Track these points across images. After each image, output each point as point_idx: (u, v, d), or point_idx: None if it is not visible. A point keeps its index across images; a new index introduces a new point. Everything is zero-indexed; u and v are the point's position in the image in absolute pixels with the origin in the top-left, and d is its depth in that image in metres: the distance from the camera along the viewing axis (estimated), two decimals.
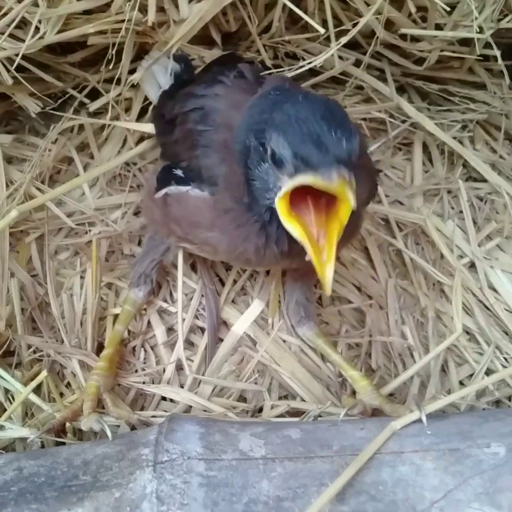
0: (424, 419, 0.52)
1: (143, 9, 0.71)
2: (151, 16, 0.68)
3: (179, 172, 0.63)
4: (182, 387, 0.69)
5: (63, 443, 0.61)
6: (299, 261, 0.57)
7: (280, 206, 0.50)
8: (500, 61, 0.81)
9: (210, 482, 0.48)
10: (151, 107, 0.83)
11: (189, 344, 0.74)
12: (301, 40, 0.86)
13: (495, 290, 0.80)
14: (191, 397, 0.65)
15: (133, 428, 0.63)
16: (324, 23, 0.85)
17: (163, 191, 0.64)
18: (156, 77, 0.78)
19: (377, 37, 0.78)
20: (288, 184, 0.49)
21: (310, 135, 0.48)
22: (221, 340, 0.73)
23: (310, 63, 0.77)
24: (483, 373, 0.72)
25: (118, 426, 0.62)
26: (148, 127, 0.79)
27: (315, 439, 0.52)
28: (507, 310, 0.78)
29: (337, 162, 0.47)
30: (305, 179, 0.48)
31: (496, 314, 0.78)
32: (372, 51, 0.83)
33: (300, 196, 0.50)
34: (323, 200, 0.50)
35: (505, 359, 0.75)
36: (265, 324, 0.75)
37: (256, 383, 0.70)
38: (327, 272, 0.49)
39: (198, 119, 0.62)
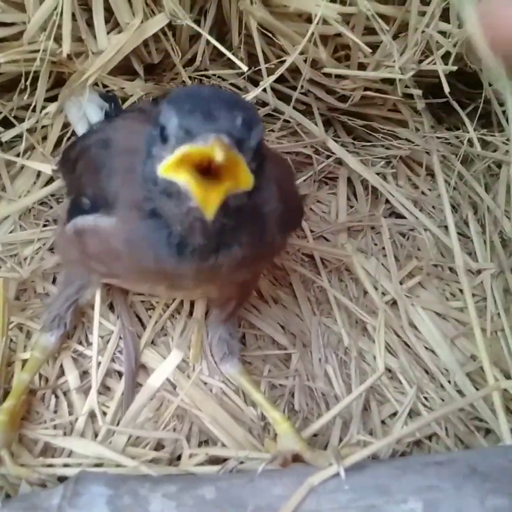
0: (342, 474, 0.51)
1: (59, 39, 0.68)
2: (66, 47, 0.66)
3: (85, 201, 0.59)
4: (96, 435, 0.66)
5: None
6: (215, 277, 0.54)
7: (165, 168, 0.44)
8: (418, 101, 0.82)
9: None
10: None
11: (106, 389, 0.70)
12: (227, 74, 0.85)
13: (416, 328, 0.80)
14: (102, 452, 0.61)
15: (43, 484, 0.59)
16: (249, 57, 0.85)
17: (70, 223, 0.60)
18: (87, 115, 0.75)
19: (303, 77, 0.78)
20: (168, 157, 0.44)
21: (201, 107, 0.44)
22: (140, 384, 0.70)
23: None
24: (405, 416, 0.72)
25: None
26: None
27: (230, 498, 0.50)
28: (427, 348, 0.79)
29: (223, 132, 0.42)
30: (183, 149, 0.42)
31: (416, 352, 0.78)
32: (299, 90, 0.83)
33: None
34: None
35: (426, 398, 0.75)
36: (186, 367, 0.72)
37: (175, 429, 0.68)
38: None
39: (100, 147, 0.60)
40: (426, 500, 0.49)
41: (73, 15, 0.67)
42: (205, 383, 0.72)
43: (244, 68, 0.70)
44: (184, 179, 0.43)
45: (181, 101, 0.45)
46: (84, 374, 0.70)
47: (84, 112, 0.76)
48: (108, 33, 0.71)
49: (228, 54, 0.71)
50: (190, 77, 0.83)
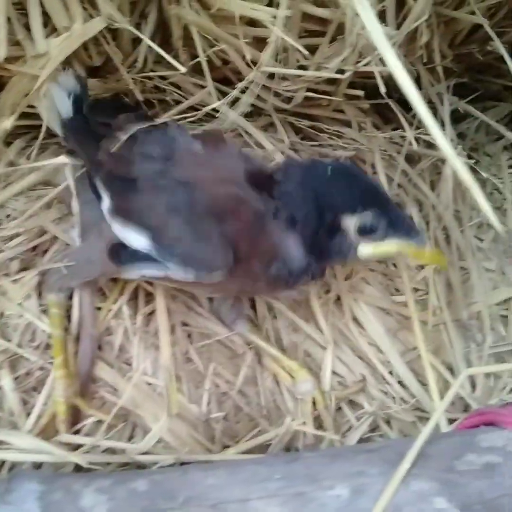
0: None
1: None
2: (2, 51, 0.66)
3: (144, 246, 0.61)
4: None
5: None
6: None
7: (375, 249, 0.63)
8: (361, 101, 0.84)
9: None
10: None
11: None
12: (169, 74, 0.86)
13: (359, 324, 0.82)
14: (37, 444, 0.61)
15: None
16: (193, 58, 0.85)
17: (134, 272, 0.64)
18: (56, 104, 0.73)
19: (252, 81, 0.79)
20: (378, 244, 0.63)
21: (393, 209, 0.63)
22: None
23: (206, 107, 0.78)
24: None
25: None
26: None
27: (162, 491, 0.51)
28: (370, 343, 0.80)
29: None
30: (400, 243, 0.62)
31: (359, 347, 0.80)
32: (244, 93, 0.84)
33: None
34: None
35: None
36: (129, 369, 0.73)
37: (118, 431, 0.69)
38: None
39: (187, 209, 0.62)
40: (353, 486, 0.51)
41: (9, 19, 0.68)
42: (149, 384, 0.73)
43: (183, 69, 0.71)
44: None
45: (375, 204, 0.62)
46: (27, 375, 0.70)
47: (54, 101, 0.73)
48: (46, 36, 0.71)
49: (166, 56, 0.72)
50: (133, 79, 0.84)
